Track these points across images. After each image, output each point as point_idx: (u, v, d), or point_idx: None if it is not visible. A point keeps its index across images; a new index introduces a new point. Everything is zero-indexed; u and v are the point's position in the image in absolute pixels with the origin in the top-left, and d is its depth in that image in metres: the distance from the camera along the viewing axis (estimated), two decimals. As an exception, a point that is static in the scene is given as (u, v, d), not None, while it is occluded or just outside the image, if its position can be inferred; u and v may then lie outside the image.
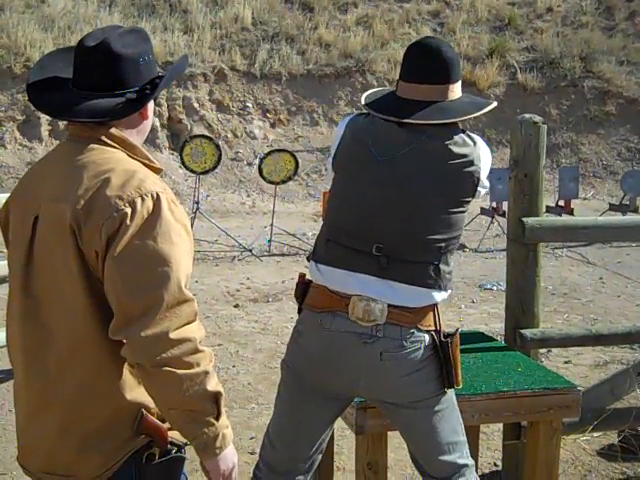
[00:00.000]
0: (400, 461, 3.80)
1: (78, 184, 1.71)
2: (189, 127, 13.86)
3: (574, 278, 8.15)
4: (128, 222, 1.66)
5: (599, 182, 15.52)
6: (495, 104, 2.47)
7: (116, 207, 1.67)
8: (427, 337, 2.35)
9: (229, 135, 14.26)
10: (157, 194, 1.70)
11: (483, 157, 2.37)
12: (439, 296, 2.36)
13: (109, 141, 1.78)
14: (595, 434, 3.85)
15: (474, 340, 3.48)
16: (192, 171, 10.15)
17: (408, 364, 2.33)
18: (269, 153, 10.47)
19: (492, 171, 2.71)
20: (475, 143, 2.37)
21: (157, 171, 1.84)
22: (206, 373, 1.70)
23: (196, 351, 1.69)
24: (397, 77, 2.45)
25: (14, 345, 1.84)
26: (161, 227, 1.68)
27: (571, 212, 11.10)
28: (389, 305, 2.31)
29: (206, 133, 12.67)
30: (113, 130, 1.79)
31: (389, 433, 2.77)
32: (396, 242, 2.32)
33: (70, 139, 1.84)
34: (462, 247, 9.52)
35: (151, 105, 1.86)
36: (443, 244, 2.34)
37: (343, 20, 16.21)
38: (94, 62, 1.76)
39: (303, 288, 2.45)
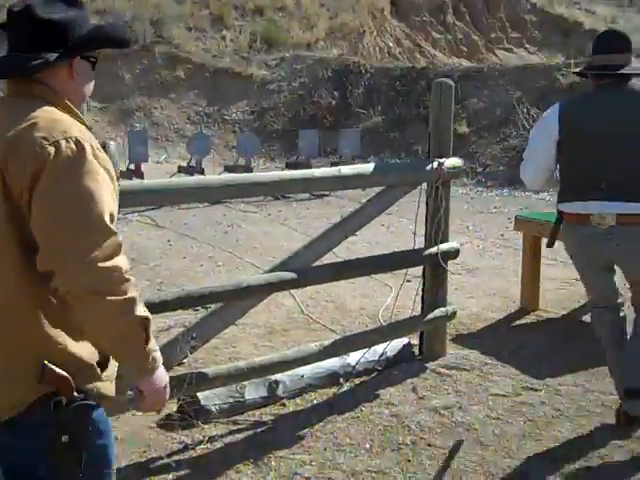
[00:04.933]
0: None
1: (7, 128, 1.81)
2: None
3: (143, 242, 8.03)
4: (52, 160, 1.75)
5: (171, 145, 15.67)
6: None
7: (40, 145, 1.76)
8: None
9: None
10: (81, 139, 1.81)
11: None
12: None
13: (38, 95, 1.90)
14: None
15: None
16: None
17: None
18: None
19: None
20: None
21: (87, 128, 1.92)
22: (134, 299, 1.78)
23: (124, 280, 1.77)
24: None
25: None
26: (84, 167, 1.77)
27: (142, 176, 11.01)
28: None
29: None
30: (46, 86, 1.91)
31: None
32: None
33: (8, 94, 1.96)
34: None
35: (83, 68, 1.97)
36: None
37: None
38: (17, 25, 1.91)
39: None
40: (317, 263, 4.15)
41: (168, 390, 1.96)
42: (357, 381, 4.44)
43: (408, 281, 4.77)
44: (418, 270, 4.78)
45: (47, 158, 1.76)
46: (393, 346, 4.69)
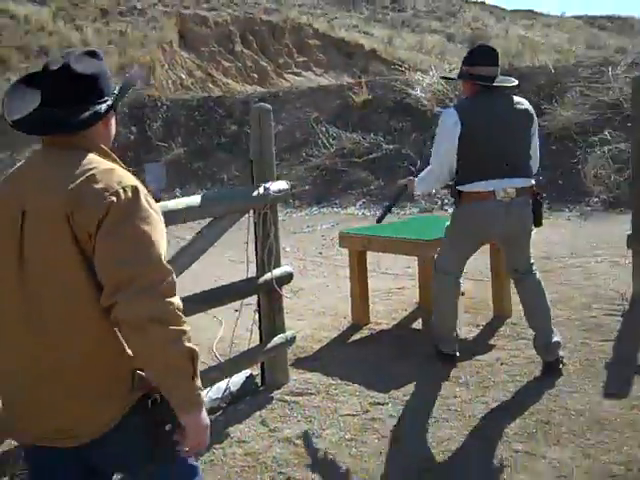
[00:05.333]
0: None
1: (66, 180, 1.98)
2: None
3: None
4: (114, 209, 1.95)
5: None
6: None
7: (103, 196, 1.96)
8: None
9: None
10: (135, 187, 2.01)
11: None
12: None
13: (86, 145, 2.08)
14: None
15: None
16: None
17: None
18: None
19: None
20: None
21: (125, 169, 2.11)
22: (185, 332, 1.93)
23: (177, 313, 1.93)
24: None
25: (5, 329, 2.06)
26: (141, 212, 1.98)
27: None
28: None
29: None
30: (84, 137, 2.09)
31: None
32: None
33: (49, 145, 2.12)
34: None
35: (111, 114, 2.19)
36: None
37: None
38: (59, 82, 2.07)
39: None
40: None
41: (209, 432, 2.06)
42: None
43: (235, 310, 4.64)
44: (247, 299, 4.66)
45: (110, 206, 1.95)
46: (235, 380, 4.54)
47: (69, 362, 2.00)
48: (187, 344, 1.93)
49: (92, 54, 2.15)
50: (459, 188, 4.46)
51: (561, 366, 4.50)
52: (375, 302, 6.17)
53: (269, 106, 4.69)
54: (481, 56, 4.45)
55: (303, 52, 30.34)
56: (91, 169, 2.01)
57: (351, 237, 5.85)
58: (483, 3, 44.33)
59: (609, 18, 41.46)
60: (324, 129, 13.78)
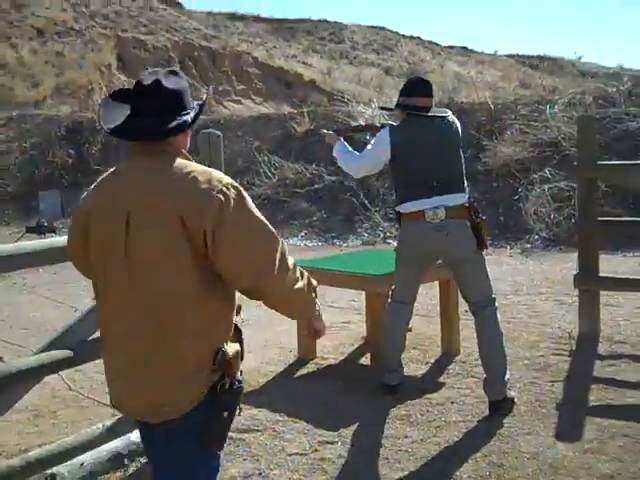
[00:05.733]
0: None
1: (172, 184, 2.26)
2: None
3: None
4: (225, 206, 2.22)
5: None
6: None
7: (211, 196, 2.22)
8: None
9: None
10: (233, 182, 2.31)
11: None
12: None
13: (172, 152, 2.36)
14: None
15: None
16: None
17: None
18: None
19: None
20: None
21: None
22: (309, 277, 2.42)
23: (301, 270, 2.39)
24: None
25: (113, 316, 2.33)
26: (247, 204, 2.29)
27: None
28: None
29: None
30: (169, 144, 2.36)
31: None
32: None
33: (137, 154, 2.37)
34: None
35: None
36: None
37: None
38: (151, 95, 2.34)
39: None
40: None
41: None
42: (143, 460, 4.04)
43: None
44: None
45: (220, 204, 2.22)
46: (179, 416, 4.35)
47: (168, 343, 2.26)
48: (313, 283, 2.44)
49: (175, 73, 2.46)
50: (397, 209, 4.66)
51: (513, 406, 4.45)
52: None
53: (218, 132, 4.57)
54: (416, 87, 4.62)
55: (243, 80, 30.34)
56: (191, 172, 2.29)
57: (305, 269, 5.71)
58: (419, 38, 45.12)
59: (540, 58, 42.57)
60: (266, 158, 13.70)
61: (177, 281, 2.23)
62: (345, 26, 42.90)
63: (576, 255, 7.93)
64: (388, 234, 11.23)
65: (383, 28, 44.65)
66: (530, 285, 7.84)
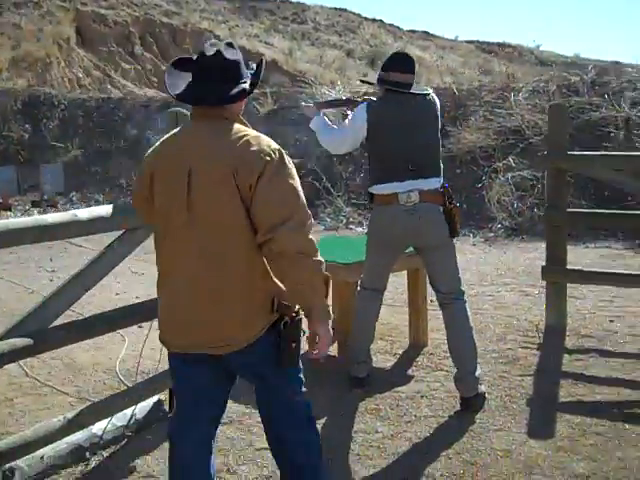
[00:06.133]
0: None
1: (229, 146, 2.62)
2: None
3: None
4: (269, 167, 2.58)
5: None
6: None
7: (260, 157, 2.59)
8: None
9: None
10: (280, 149, 2.66)
11: None
12: None
13: (229, 117, 2.70)
14: None
15: None
16: None
17: None
18: None
19: None
20: None
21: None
22: (322, 262, 2.62)
23: (317, 249, 2.61)
24: None
25: (178, 260, 2.68)
26: (288, 169, 2.64)
27: None
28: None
29: None
30: (228, 109, 2.70)
31: None
32: None
33: (198, 118, 2.73)
34: None
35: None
36: None
37: None
38: (214, 65, 2.66)
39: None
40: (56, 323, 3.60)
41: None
42: (105, 453, 3.92)
43: (139, 326, 4.33)
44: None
45: (266, 164, 2.58)
46: (142, 406, 4.22)
47: (227, 283, 2.63)
48: (324, 271, 2.63)
49: (231, 45, 2.76)
50: (370, 190, 4.51)
51: (484, 402, 4.40)
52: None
53: (186, 111, 4.42)
54: (398, 62, 4.46)
55: (204, 58, 29.91)
56: (245, 136, 2.64)
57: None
58: (381, 21, 44.92)
59: (499, 45, 42.68)
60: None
61: (237, 232, 2.62)
62: (308, 7, 42.53)
63: (539, 245, 7.93)
64: (351, 219, 11.14)
65: (345, 10, 44.36)
66: (494, 275, 7.82)
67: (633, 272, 6.51)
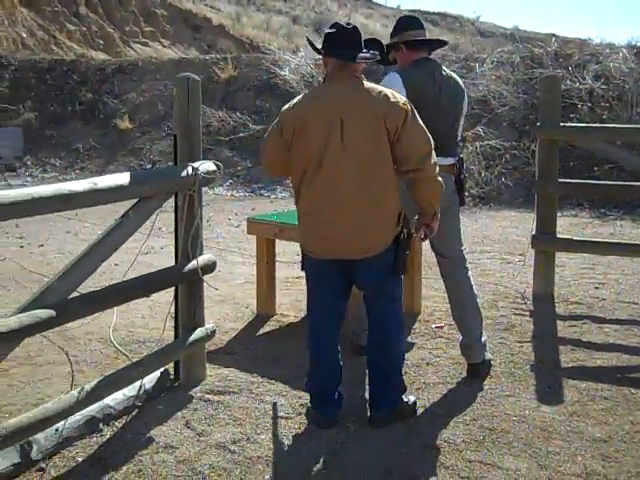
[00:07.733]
0: None
1: (374, 98, 3.54)
2: None
3: None
4: (408, 114, 3.53)
5: None
6: None
7: (400, 107, 3.53)
8: None
9: None
10: (408, 101, 3.62)
11: None
12: None
13: (359, 76, 3.61)
14: None
15: None
16: None
17: None
18: None
19: None
20: None
21: None
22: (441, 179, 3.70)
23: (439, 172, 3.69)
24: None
25: (332, 191, 3.55)
26: (417, 116, 3.59)
27: None
28: None
29: None
30: (356, 70, 3.62)
31: None
32: None
33: (337, 79, 3.61)
34: None
35: None
36: None
37: None
38: (354, 35, 3.63)
39: None
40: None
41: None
42: (118, 424, 3.84)
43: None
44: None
45: (406, 112, 3.54)
46: (150, 377, 4.14)
47: (372, 202, 3.54)
48: (442, 184, 3.71)
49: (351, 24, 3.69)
50: None
51: (490, 368, 4.44)
52: (276, 292, 5.89)
53: (197, 77, 4.32)
54: (409, 22, 4.56)
55: (150, 21, 29.24)
56: (381, 91, 3.58)
57: (261, 224, 5.53)
58: (326, -13, 44.55)
59: (441, 15, 42.77)
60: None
61: (381, 162, 3.52)
62: (254, -29, 41.92)
63: (509, 214, 8.05)
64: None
65: (291, -24, 43.85)
66: (472, 244, 7.87)
67: (621, 241, 6.63)
